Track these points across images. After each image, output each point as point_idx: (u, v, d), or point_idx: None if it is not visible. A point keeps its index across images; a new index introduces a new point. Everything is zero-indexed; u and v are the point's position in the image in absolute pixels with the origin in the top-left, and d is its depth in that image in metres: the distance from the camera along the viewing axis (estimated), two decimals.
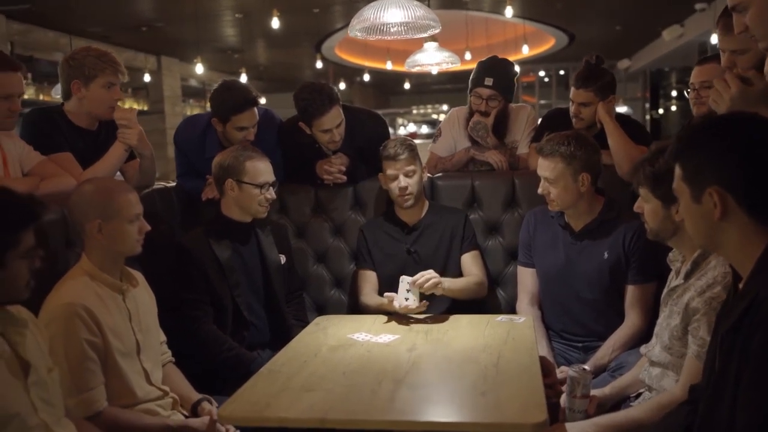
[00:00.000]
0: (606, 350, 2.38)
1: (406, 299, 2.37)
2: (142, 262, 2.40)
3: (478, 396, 1.69)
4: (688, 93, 2.77)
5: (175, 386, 2.16)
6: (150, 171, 2.78)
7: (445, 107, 18.56)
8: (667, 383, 1.86)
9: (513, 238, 2.87)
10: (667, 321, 1.88)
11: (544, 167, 2.44)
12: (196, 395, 2.15)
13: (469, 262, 2.74)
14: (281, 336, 2.57)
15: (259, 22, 8.98)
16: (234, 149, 2.58)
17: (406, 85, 16.51)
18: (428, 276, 2.39)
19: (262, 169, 2.52)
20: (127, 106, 10.45)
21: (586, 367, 1.97)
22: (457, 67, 5.73)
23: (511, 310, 2.84)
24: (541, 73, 16.41)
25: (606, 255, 2.45)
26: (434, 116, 19.41)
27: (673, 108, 15.59)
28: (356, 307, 2.80)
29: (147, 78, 10.54)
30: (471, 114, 3.15)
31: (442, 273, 2.69)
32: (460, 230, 2.77)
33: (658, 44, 11.73)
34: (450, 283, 2.52)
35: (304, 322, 2.61)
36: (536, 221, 2.67)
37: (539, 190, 2.48)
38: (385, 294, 2.47)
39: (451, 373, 1.86)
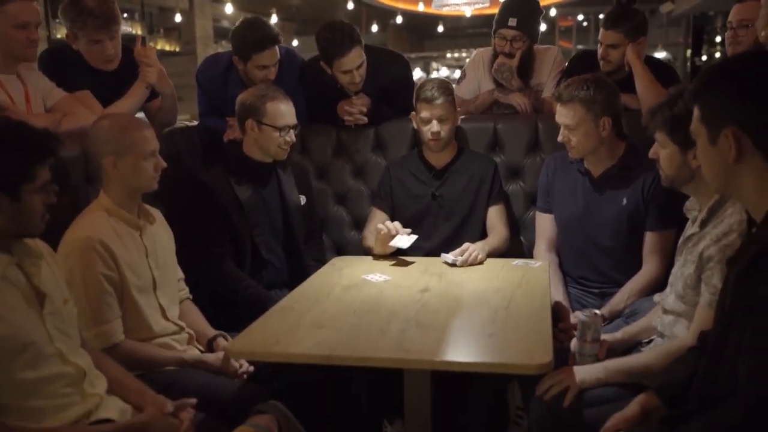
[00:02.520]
0: (622, 297, 2.36)
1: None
2: (164, 200, 2.44)
3: (486, 337, 1.70)
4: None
5: (192, 322, 2.21)
6: (171, 109, 2.80)
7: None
8: (679, 330, 1.85)
9: (534, 183, 2.82)
10: (682, 270, 1.85)
11: (564, 114, 2.39)
12: (212, 331, 2.19)
13: (495, 216, 2.71)
14: (299, 276, 2.58)
15: None
16: (257, 89, 2.57)
17: (440, 29, 16.18)
18: (471, 251, 2.39)
19: (283, 111, 2.51)
20: (159, 46, 10.49)
21: (597, 311, 1.96)
22: (488, 8, 5.58)
23: (532, 255, 2.83)
24: (580, 17, 15.92)
25: (625, 201, 2.40)
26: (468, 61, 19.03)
27: (717, 54, 15.02)
28: None
29: (178, 18, 10.48)
30: (496, 56, 3.08)
31: (465, 220, 2.69)
32: (488, 180, 2.72)
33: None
34: (488, 245, 2.54)
35: (322, 263, 2.63)
36: (556, 166, 2.62)
37: (559, 138, 2.43)
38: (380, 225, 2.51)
39: (460, 315, 1.87)
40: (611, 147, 2.44)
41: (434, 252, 2.55)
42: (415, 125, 2.74)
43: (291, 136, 2.54)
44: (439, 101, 2.62)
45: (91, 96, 2.54)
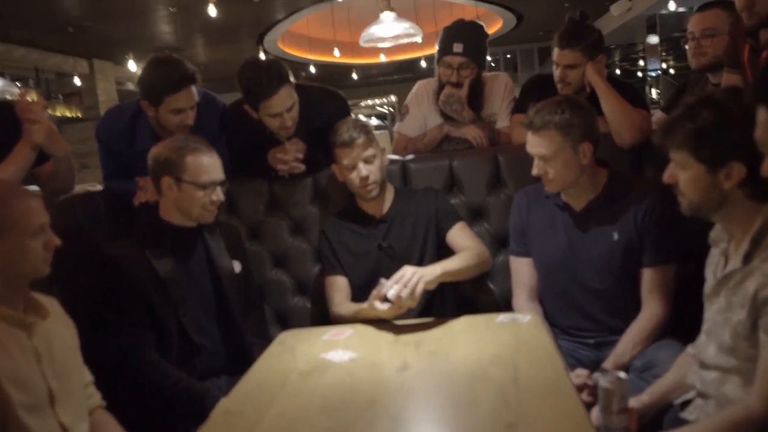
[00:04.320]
0: (626, 345, 2.02)
1: (393, 290, 1.96)
2: (61, 284, 1.96)
3: (505, 430, 1.29)
4: (685, 44, 2.44)
5: None
6: (67, 174, 2.32)
7: (393, 98, 18.30)
8: (731, 391, 1.50)
9: (501, 223, 2.49)
10: (725, 315, 1.52)
11: (537, 144, 2.07)
12: None
13: (458, 236, 2.34)
14: (239, 358, 2.15)
15: (196, 15, 8.43)
16: (173, 140, 2.13)
17: (354, 76, 16.09)
18: (409, 276, 1.97)
19: (206, 165, 2.08)
20: (58, 113, 9.83)
21: (621, 374, 1.59)
22: (402, 52, 5.29)
23: (507, 305, 2.46)
24: (488, 58, 16.11)
25: (616, 236, 2.08)
26: (383, 109, 19.01)
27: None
28: (323, 317, 2.39)
29: (78, 82, 9.88)
30: (441, 87, 2.77)
31: (420, 264, 2.31)
32: (432, 209, 2.38)
33: (606, 20, 11.55)
34: (443, 267, 2.10)
35: (267, 339, 2.18)
36: (528, 203, 2.29)
37: (534, 171, 2.10)
38: (372, 294, 2.05)
39: (461, 399, 1.46)
40: (593, 176, 2.12)
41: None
42: (339, 177, 2.38)
43: (218, 194, 2.11)
44: (359, 140, 2.29)
45: None
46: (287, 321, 2.62)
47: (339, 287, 2.34)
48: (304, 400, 1.52)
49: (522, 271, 2.29)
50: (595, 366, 2.12)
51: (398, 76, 17.16)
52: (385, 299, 1.96)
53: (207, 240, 2.19)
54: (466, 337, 1.87)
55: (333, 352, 1.83)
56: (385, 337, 1.95)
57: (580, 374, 1.98)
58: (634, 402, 1.62)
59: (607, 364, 2.02)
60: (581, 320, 2.17)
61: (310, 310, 2.59)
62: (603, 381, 1.57)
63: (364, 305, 2.03)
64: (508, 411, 1.35)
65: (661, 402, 1.67)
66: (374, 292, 2.02)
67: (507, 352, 1.70)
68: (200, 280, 2.15)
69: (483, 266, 2.24)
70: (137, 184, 2.39)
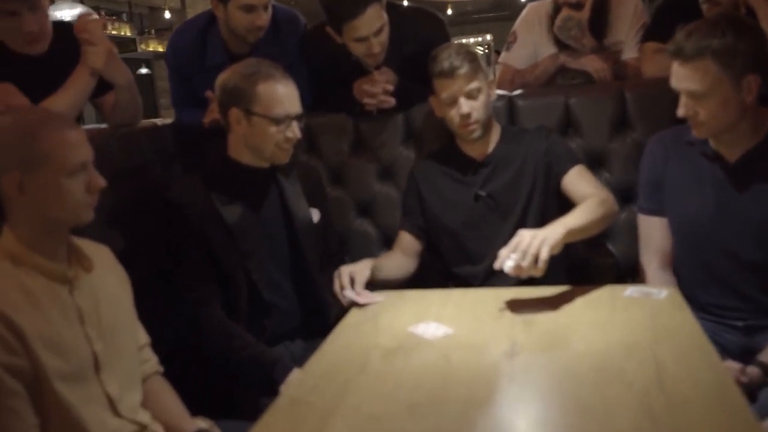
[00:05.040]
0: None
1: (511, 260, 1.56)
2: (125, 230, 1.75)
3: None
4: None
5: (162, 411, 1.48)
6: (130, 105, 2.07)
7: (489, 37, 17.48)
8: None
9: (625, 174, 2.10)
10: None
11: (688, 77, 1.63)
12: (191, 424, 1.47)
13: (576, 182, 1.94)
14: (316, 320, 1.90)
15: None
16: (244, 64, 1.82)
17: (448, 12, 15.42)
18: (528, 240, 1.57)
19: (281, 95, 1.77)
20: (151, 48, 9.79)
21: None
22: None
23: (630, 273, 2.09)
24: None
25: None
26: (478, 49, 18.19)
27: None
28: (414, 275, 2.07)
29: (169, 16, 9.76)
30: (557, 9, 2.34)
31: (526, 219, 1.96)
32: (542, 151, 1.99)
33: None
34: (566, 225, 1.66)
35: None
36: (666, 150, 1.87)
37: (680, 112, 1.67)
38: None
39: (589, 406, 1.11)
40: (755, 118, 1.69)
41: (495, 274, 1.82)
42: (437, 112, 2.01)
43: (294, 131, 1.80)
44: (462, 70, 1.91)
45: (12, 90, 1.83)
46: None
47: (400, 245, 2.07)
48: (387, 390, 1.22)
49: (654, 233, 1.89)
50: (744, 355, 1.72)
51: (494, 14, 16.36)
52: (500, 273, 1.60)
53: (281, 183, 1.90)
54: (588, 316, 1.51)
55: (424, 326, 1.52)
56: (485, 309, 1.62)
57: (732, 367, 1.60)
58: None
59: (766, 356, 1.62)
60: (728, 297, 1.77)
61: None
62: None
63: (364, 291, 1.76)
64: (655, 428, 1.00)
65: None
66: None
67: (644, 340, 1.33)
68: (273, 229, 1.88)
69: (610, 217, 1.85)
70: (209, 99, 2.10)
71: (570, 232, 1.62)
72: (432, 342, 1.44)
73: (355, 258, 2.32)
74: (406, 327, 1.53)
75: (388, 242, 2.31)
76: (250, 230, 1.82)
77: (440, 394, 1.18)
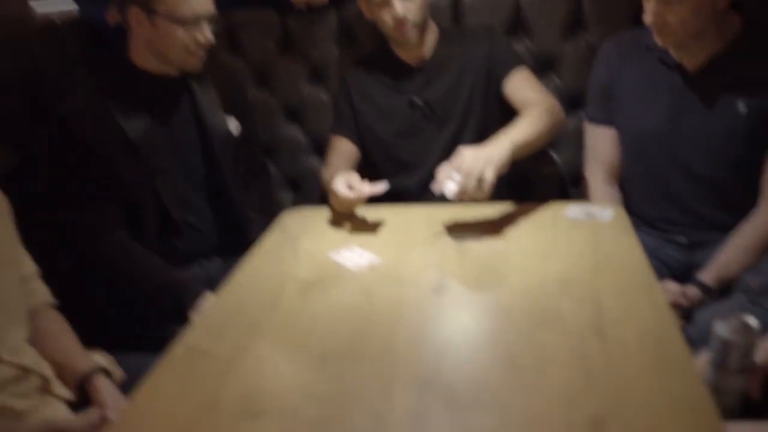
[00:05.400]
0: (733, 252, 1.54)
1: (453, 183, 1.37)
2: (12, 147, 1.60)
3: (587, 426, 0.84)
4: None
5: (53, 349, 1.32)
6: None
7: None
8: None
9: (577, 79, 1.93)
10: None
11: None
12: (86, 362, 1.32)
13: (520, 87, 1.77)
14: (236, 238, 1.73)
15: None
16: None
17: None
18: (470, 162, 1.37)
19: None
20: None
21: (750, 321, 1.11)
22: None
23: (574, 183, 1.98)
24: None
25: (742, 107, 1.52)
26: None
27: None
28: None
29: None
30: None
31: (465, 128, 1.81)
32: (484, 53, 1.80)
33: None
34: (512, 140, 1.47)
35: (271, 216, 1.74)
36: (621, 55, 1.70)
37: (648, 19, 1.49)
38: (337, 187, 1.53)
39: (522, 360, 0.98)
40: (721, 23, 1.52)
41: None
42: (366, 14, 1.78)
43: (206, 34, 1.57)
44: None
45: None
46: (300, 186, 2.18)
47: (341, 151, 1.86)
48: (298, 336, 1.08)
49: (602, 144, 1.76)
50: (684, 271, 1.65)
51: None
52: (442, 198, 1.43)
53: (194, 91, 1.69)
54: (527, 242, 1.38)
55: (348, 253, 1.38)
56: (417, 231, 1.48)
57: (671, 290, 1.52)
58: (763, 355, 1.16)
59: (706, 275, 1.54)
60: (675, 212, 1.67)
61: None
62: (721, 328, 1.10)
63: (365, 189, 1.51)
64: (591, 387, 0.89)
65: None
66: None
67: (584, 273, 1.21)
68: (184, 143, 1.68)
69: (557, 128, 1.69)
70: None
71: (516, 148, 1.46)
72: (354, 273, 1.29)
73: (281, 165, 2.16)
74: (328, 252, 1.38)
75: (318, 149, 2.14)
76: (157, 145, 1.62)
77: (357, 342, 1.05)
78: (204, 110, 1.69)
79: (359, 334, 1.07)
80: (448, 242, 1.41)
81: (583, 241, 1.36)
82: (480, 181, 1.35)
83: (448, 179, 1.37)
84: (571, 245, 1.34)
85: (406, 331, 1.07)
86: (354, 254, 1.37)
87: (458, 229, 1.46)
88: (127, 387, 1.25)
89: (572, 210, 1.53)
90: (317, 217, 1.61)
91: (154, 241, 1.62)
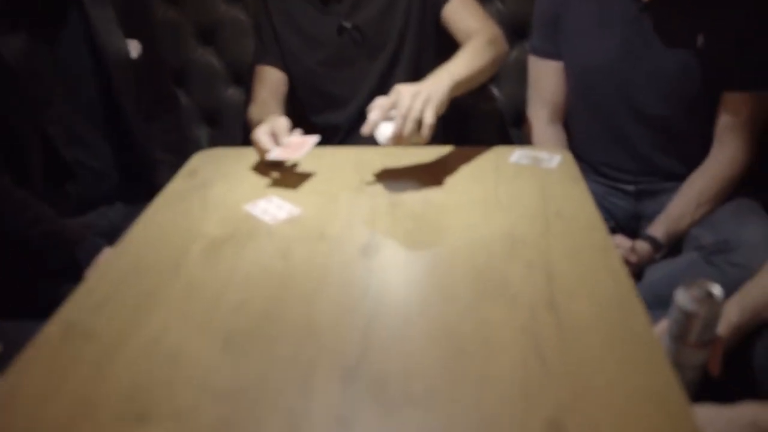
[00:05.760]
0: (686, 203, 1.44)
1: (388, 126, 1.20)
2: None
3: (528, 402, 0.71)
4: None
5: None
6: None
7: None
8: None
9: (521, 4, 1.77)
10: None
11: None
12: None
13: (458, 13, 1.59)
14: (141, 180, 1.53)
15: None
16: None
17: None
18: (409, 101, 1.19)
19: None
20: None
21: (715, 289, 1.00)
22: None
23: (513, 121, 1.84)
24: None
25: (701, 40, 1.39)
26: None
27: None
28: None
29: None
30: None
31: (396, 59, 1.63)
32: None
33: None
34: (452, 74, 1.29)
35: (181, 154, 1.53)
36: None
37: None
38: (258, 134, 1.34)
39: (465, 342, 0.84)
40: None
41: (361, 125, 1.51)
42: None
43: None
44: None
45: None
46: (217, 121, 1.96)
47: (268, 82, 1.65)
48: (199, 312, 0.91)
49: (546, 79, 1.61)
50: (631, 222, 1.55)
51: None
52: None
53: (86, 9, 1.43)
54: (467, 193, 1.23)
55: (265, 203, 1.20)
56: (344, 179, 1.31)
57: (621, 245, 1.41)
58: (723, 327, 1.06)
59: (655, 229, 1.44)
60: (623, 156, 1.56)
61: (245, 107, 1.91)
62: (684, 297, 1.00)
63: (293, 137, 1.32)
64: (546, 377, 0.76)
65: (755, 321, 1.11)
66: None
67: (532, 231, 1.07)
68: (75, 69, 1.43)
69: (500, 61, 1.51)
70: None
71: (457, 85, 1.29)
72: (271, 228, 1.12)
73: (194, 95, 1.94)
74: (242, 203, 1.20)
75: (237, 78, 1.92)
76: (40, 71, 1.37)
77: (270, 319, 0.89)
78: (98, 29, 1.44)
79: (273, 308, 0.91)
80: (379, 191, 1.24)
81: (529, 191, 1.22)
82: (418, 123, 1.18)
83: (382, 121, 1.19)
84: (517, 197, 1.20)
85: (329, 304, 0.92)
86: (271, 205, 1.20)
87: (390, 176, 1.30)
88: (5, 361, 1.06)
89: (516, 155, 1.38)
90: (234, 159, 1.42)
91: (40, 185, 1.40)
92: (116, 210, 1.52)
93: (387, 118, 1.20)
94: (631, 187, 1.56)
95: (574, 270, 0.96)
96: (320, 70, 1.65)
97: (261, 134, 1.31)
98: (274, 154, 1.27)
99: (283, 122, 1.33)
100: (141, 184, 1.51)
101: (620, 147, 1.54)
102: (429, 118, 1.18)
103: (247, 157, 1.40)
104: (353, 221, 1.14)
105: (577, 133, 1.61)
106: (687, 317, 0.99)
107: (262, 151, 1.31)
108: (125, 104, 1.49)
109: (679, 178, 1.49)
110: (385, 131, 1.19)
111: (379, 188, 1.25)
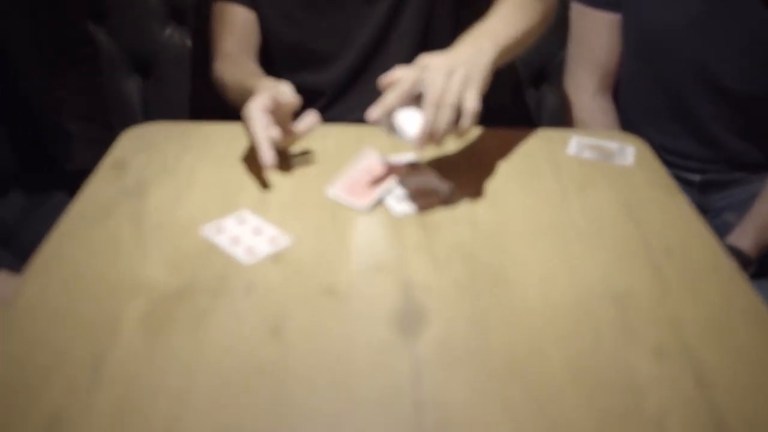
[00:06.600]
0: None
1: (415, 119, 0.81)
2: None
3: None
4: None
5: None
6: None
7: None
8: None
9: None
10: None
11: None
12: None
13: None
14: (44, 159, 1.11)
15: None
16: None
17: None
18: (441, 84, 0.79)
19: None
20: None
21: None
22: None
23: (532, 80, 1.48)
24: None
25: None
26: None
27: None
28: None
29: None
30: None
31: (402, 5, 1.20)
32: None
33: None
34: (496, 39, 0.90)
35: (103, 126, 1.11)
36: None
37: None
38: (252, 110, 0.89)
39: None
40: None
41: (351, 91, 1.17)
42: None
43: None
44: None
45: None
46: (151, 72, 1.50)
47: (233, 25, 1.20)
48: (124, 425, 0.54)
49: (597, 36, 1.25)
50: None
51: None
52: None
53: None
54: (525, 213, 0.85)
55: (233, 223, 0.80)
56: (341, 178, 0.92)
57: None
58: None
59: (742, 240, 1.13)
60: (689, 139, 1.24)
61: (193, 54, 1.47)
62: None
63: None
64: None
65: None
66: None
67: (642, 288, 0.72)
68: None
69: (551, 13, 1.09)
70: None
71: (502, 53, 0.90)
72: (248, 274, 0.73)
73: (122, 40, 1.47)
74: (198, 223, 0.80)
75: (178, 15, 1.47)
76: None
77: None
78: None
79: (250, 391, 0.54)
80: (400, 200, 0.86)
81: (612, 210, 0.86)
82: (457, 111, 0.80)
83: (405, 111, 0.81)
84: (598, 219, 0.84)
85: (357, 422, 0.55)
86: (244, 227, 0.80)
87: (408, 175, 0.91)
88: None
89: (575, 144, 1.01)
90: (179, 140, 1.00)
91: None
92: (13, 204, 1.10)
93: (413, 110, 0.81)
94: (696, 177, 1.25)
95: (724, 357, 0.62)
96: (300, 16, 1.21)
97: (260, 114, 0.87)
98: (334, 192, 0.86)
99: (288, 92, 0.91)
100: (45, 167, 1.09)
101: (687, 128, 1.23)
102: (472, 104, 0.81)
103: (200, 136, 0.99)
104: (372, 258, 0.76)
105: (632, 108, 1.27)
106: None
107: (265, 151, 0.87)
108: (14, 49, 1.05)
109: (754, 168, 1.19)
110: (409, 123, 0.80)
111: (398, 195, 0.87)
